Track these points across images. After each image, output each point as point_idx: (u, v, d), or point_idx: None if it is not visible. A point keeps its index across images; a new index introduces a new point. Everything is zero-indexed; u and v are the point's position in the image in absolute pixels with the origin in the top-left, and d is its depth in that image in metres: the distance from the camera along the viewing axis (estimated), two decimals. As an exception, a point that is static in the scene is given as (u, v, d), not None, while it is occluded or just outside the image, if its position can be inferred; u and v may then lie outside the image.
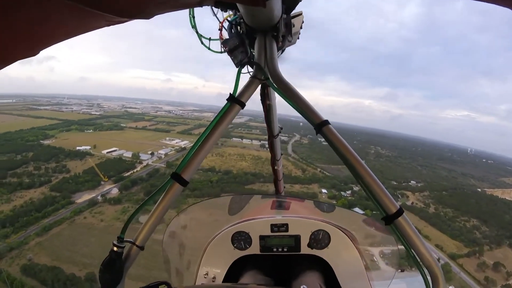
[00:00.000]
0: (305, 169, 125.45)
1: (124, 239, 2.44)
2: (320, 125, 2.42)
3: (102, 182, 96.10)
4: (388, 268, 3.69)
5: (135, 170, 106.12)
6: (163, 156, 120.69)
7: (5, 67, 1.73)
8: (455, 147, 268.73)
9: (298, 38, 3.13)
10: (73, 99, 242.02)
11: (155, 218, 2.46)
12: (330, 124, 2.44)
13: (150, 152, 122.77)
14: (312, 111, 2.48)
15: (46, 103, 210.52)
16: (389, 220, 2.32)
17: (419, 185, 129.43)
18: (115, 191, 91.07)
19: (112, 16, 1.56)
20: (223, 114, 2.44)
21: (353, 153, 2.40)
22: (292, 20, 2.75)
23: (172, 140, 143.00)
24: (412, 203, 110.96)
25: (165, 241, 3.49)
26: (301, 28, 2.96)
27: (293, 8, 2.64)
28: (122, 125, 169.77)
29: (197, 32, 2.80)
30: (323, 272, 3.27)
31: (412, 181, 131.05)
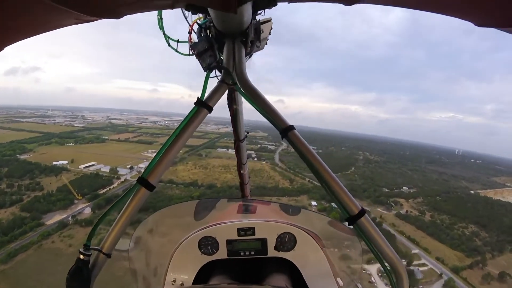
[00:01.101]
0: (293, 179, 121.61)
1: (91, 247, 2.44)
2: (286, 130, 2.51)
3: (75, 201, 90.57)
4: (353, 268, 3.72)
5: (111, 187, 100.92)
6: (142, 170, 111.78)
7: None
8: (442, 148, 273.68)
9: (266, 44, 3.22)
10: (57, 111, 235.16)
11: (121, 224, 2.46)
12: (295, 129, 2.53)
13: (129, 166, 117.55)
14: (278, 116, 2.55)
15: (29, 115, 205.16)
16: (352, 220, 2.45)
17: (411, 191, 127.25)
18: (87, 211, 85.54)
19: (81, 14, 1.56)
20: (191, 118, 2.47)
21: (317, 157, 2.49)
22: (261, 26, 2.87)
23: (154, 152, 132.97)
24: (407, 211, 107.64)
25: (131, 247, 3.42)
26: (269, 34, 3.07)
27: (261, 13, 2.66)
28: (104, 137, 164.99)
29: (164, 34, 2.87)
30: (290, 274, 3.31)
31: (404, 187, 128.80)
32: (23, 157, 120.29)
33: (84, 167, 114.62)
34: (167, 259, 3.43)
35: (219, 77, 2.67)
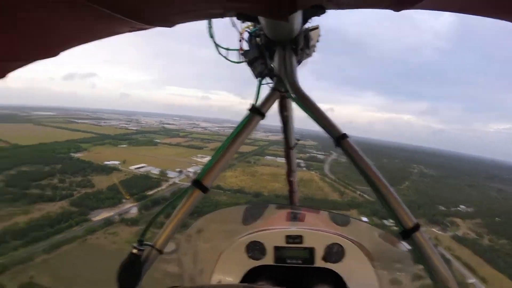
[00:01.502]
0: (343, 191, 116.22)
1: (144, 242, 2.51)
2: (339, 138, 2.50)
3: (124, 200, 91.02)
4: (403, 284, 3.41)
5: (159, 189, 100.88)
6: (191, 175, 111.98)
7: (24, 66, 1.89)
8: (501, 162, 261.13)
9: (315, 51, 3.22)
10: (113, 114, 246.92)
11: (174, 223, 2.54)
12: (349, 137, 2.51)
13: (178, 169, 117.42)
14: (331, 124, 2.55)
15: (85, 117, 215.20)
16: (406, 234, 2.38)
17: (469, 210, 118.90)
18: (134, 211, 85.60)
19: (135, 22, 1.63)
20: (244, 124, 2.55)
21: (371, 166, 2.49)
22: (310, 33, 2.87)
23: (204, 157, 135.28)
24: (464, 233, 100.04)
25: (181, 246, 3.42)
26: (317, 41, 3.09)
27: (309, 20, 2.63)
28: (156, 140, 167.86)
29: (214, 42, 2.89)
30: (336, 286, 3.09)
31: (461, 206, 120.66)
32: (77, 155, 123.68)
33: (135, 168, 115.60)
34: (214, 261, 3.31)
35: (270, 85, 2.73)
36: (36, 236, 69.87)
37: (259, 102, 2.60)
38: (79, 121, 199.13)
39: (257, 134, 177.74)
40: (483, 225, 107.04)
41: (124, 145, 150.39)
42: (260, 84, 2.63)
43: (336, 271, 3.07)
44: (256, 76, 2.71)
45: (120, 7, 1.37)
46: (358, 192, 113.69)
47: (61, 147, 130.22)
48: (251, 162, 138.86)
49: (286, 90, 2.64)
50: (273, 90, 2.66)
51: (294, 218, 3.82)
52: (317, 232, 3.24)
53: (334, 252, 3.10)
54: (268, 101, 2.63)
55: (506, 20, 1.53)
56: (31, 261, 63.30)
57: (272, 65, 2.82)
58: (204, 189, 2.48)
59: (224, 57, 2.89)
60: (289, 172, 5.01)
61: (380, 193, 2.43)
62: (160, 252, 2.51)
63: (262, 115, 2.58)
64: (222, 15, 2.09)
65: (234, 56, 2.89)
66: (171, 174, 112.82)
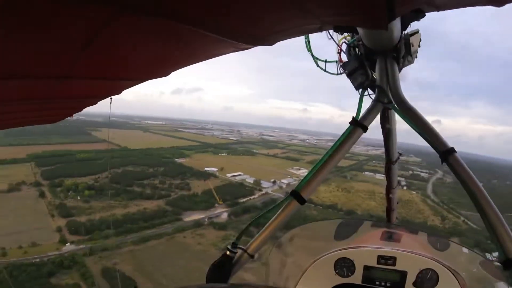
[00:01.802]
0: (445, 216, 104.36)
1: (238, 246, 2.66)
2: (446, 153, 2.41)
3: (216, 205, 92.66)
4: None
5: (251, 197, 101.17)
6: (284, 186, 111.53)
7: (138, 84, 2.02)
8: None
9: (416, 57, 3.07)
10: (216, 125, 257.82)
11: (270, 230, 2.64)
12: (456, 152, 2.42)
13: (272, 180, 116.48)
14: (438, 137, 2.47)
15: (191, 127, 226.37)
16: (509, 264, 2.27)
17: None
18: (224, 216, 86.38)
19: (239, 43, 1.72)
20: (346, 137, 2.53)
21: (479, 186, 2.37)
22: (410, 39, 2.72)
23: (299, 169, 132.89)
24: None
25: (271, 254, 3.56)
26: (419, 46, 2.94)
27: (410, 26, 2.60)
28: (254, 151, 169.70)
29: (312, 55, 2.90)
30: None
31: None
32: (179, 160, 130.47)
33: (231, 176, 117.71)
34: (301, 272, 3.35)
35: (371, 96, 2.68)
36: (129, 228, 74.37)
37: (361, 114, 2.52)
38: (185, 130, 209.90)
39: (356, 148, 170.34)
40: None
41: (224, 154, 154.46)
42: (362, 95, 2.57)
43: None
44: (357, 88, 2.64)
45: (224, 30, 1.45)
46: (462, 218, 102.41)
47: (166, 152, 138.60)
48: (347, 178, 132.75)
49: (389, 101, 2.56)
50: (376, 101, 2.58)
51: (389, 238, 3.64)
52: (412, 255, 3.12)
53: (427, 279, 2.99)
54: (370, 113, 2.55)
55: None
56: (119, 249, 67.19)
57: (373, 75, 2.73)
58: (302, 201, 2.52)
59: (323, 69, 2.87)
60: (389, 189, 4.68)
61: (486, 217, 2.29)
62: (252, 256, 2.64)
63: (364, 128, 2.52)
64: (320, 29, 2.05)
65: (332, 68, 2.86)
66: (265, 184, 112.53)
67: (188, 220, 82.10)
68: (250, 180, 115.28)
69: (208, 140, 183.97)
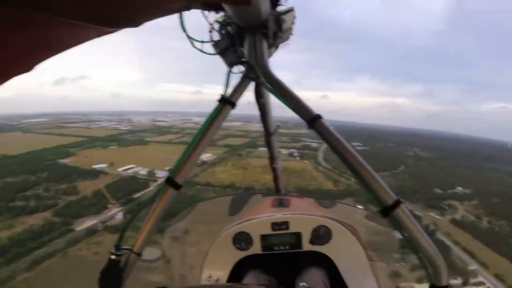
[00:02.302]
0: (337, 180, 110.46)
1: (122, 247, 2.47)
2: (313, 120, 2.46)
3: (109, 205, 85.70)
4: (390, 261, 3.82)
5: (146, 190, 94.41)
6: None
7: (1, 84, 1.85)
8: (494, 141, 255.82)
9: (291, 34, 3.11)
10: (104, 116, 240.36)
11: (151, 223, 2.49)
12: (322, 118, 2.48)
13: (168, 168, 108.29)
14: (304, 106, 2.51)
15: (76, 121, 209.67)
16: (387, 212, 2.38)
17: (466, 191, 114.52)
18: (119, 216, 79.85)
19: (101, 27, 1.57)
20: (215, 116, 2.50)
21: (347, 146, 2.47)
22: (283, 16, 2.77)
23: None
24: (463, 216, 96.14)
25: (166, 245, 3.70)
26: (293, 23, 2.97)
27: (279, 3, 2.67)
28: (147, 139, 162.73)
29: (187, 35, 2.78)
30: (326, 268, 3.38)
31: (458, 188, 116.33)
32: (64, 161, 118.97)
33: (123, 170, 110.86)
34: (203, 255, 3.53)
35: (243, 73, 2.67)
36: (18, 252, 65.42)
37: (230, 91, 2.53)
38: (70, 125, 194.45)
39: (252, 126, 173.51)
40: (481, 207, 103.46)
41: (114, 146, 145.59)
42: (229, 72, 2.57)
43: (325, 252, 3.36)
44: (229, 66, 2.64)
45: (81, 14, 1.33)
46: (353, 180, 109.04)
47: (49, 154, 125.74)
48: (242, 155, 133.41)
49: (257, 77, 2.57)
50: (243, 77, 2.58)
51: (280, 205, 3.98)
52: (302, 216, 3.50)
53: (321, 235, 3.39)
54: (238, 89, 2.55)
55: None
56: (13, 280, 59.47)
57: (243, 52, 2.69)
58: (177, 186, 2.41)
59: (199, 49, 2.77)
60: (272, 159, 4.79)
61: (357, 173, 2.39)
62: (139, 255, 2.47)
63: (233, 105, 2.52)
64: (187, 8, 2.06)
65: (210, 48, 2.78)
66: (160, 173, 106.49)
67: (80, 229, 74.65)
68: (143, 171, 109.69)
69: (96, 133, 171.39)
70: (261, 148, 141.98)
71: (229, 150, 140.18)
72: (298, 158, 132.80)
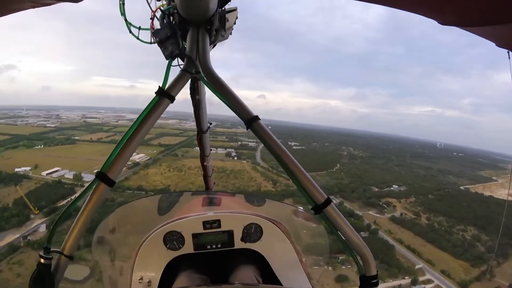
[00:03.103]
0: (276, 180, 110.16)
1: (51, 250, 2.30)
2: (251, 121, 2.50)
3: (32, 216, 77.54)
4: (320, 255, 3.95)
5: (72, 197, 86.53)
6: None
7: None
8: (424, 142, 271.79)
9: (231, 34, 3.20)
10: (32, 111, 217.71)
11: (82, 223, 2.34)
12: (260, 119, 2.53)
13: (96, 170, 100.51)
14: (243, 106, 2.54)
15: (2, 116, 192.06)
16: (318, 209, 2.48)
17: (401, 189, 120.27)
18: (42, 229, 72.04)
19: None
20: (151, 108, 2.39)
21: (282, 147, 2.52)
22: (227, 15, 2.83)
23: None
24: (402, 214, 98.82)
25: (94, 247, 3.45)
26: (234, 23, 3.04)
27: (228, 2, 2.73)
28: (75, 138, 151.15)
29: (126, 20, 2.74)
30: (258, 264, 3.42)
31: (394, 185, 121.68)
32: None
33: (47, 174, 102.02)
34: (132, 257, 3.40)
35: (181, 66, 2.62)
36: None
37: (169, 84, 2.42)
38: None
39: (187, 123, 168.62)
40: (418, 204, 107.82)
41: (40, 146, 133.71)
42: (169, 65, 2.47)
43: (256, 249, 3.43)
44: (167, 57, 2.54)
45: None
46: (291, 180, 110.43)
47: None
48: (178, 156, 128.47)
49: (197, 72, 2.54)
50: (183, 71, 2.49)
51: (211, 203, 4.04)
52: (233, 214, 3.55)
53: (252, 232, 3.45)
54: (177, 83, 2.45)
55: (417, 14, 1.67)
56: None
57: (184, 45, 2.67)
58: (110, 182, 2.27)
59: (136, 36, 2.73)
60: (203, 157, 4.87)
61: (291, 173, 2.45)
62: (70, 258, 2.31)
63: (172, 98, 2.41)
64: None
65: (147, 36, 2.73)
66: (87, 177, 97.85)
67: (1, 246, 66.42)
68: (69, 175, 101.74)
69: (21, 130, 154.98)
70: (197, 148, 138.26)
71: (164, 150, 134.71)
72: (236, 158, 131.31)
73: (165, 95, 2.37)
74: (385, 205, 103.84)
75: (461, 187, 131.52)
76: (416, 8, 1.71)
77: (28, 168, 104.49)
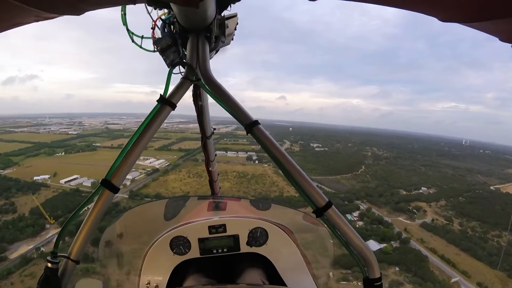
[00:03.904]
0: None
1: (58, 254, 2.36)
2: (251, 126, 2.51)
3: (48, 226, 74.26)
4: (325, 258, 3.95)
5: (89, 207, 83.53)
6: (128, 183, 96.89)
7: None
8: (449, 139, 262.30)
9: (233, 39, 3.22)
10: (55, 118, 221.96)
11: (88, 228, 2.38)
12: (260, 124, 2.54)
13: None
14: (243, 111, 2.55)
15: (25, 124, 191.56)
16: (320, 212, 2.49)
17: (431, 191, 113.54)
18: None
19: (40, 11, 1.55)
20: (153, 116, 2.41)
21: (282, 151, 2.54)
22: (226, 21, 2.82)
23: (146, 159, 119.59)
24: (433, 220, 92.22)
25: (101, 252, 3.51)
26: (235, 29, 3.05)
27: (226, 8, 2.69)
28: (96, 144, 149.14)
29: (128, 29, 2.86)
30: (264, 268, 3.46)
31: (422, 188, 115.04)
32: (5, 172, 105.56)
33: (65, 182, 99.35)
34: (140, 261, 3.44)
35: (182, 74, 2.62)
36: None
37: (170, 92, 2.44)
38: (17, 130, 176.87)
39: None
40: (449, 208, 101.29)
41: (61, 153, 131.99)
42: (170, 73, 2.47)
43: (262, 253, 3.46)
44: (168, 65, 2.63)
45: None
46: (315, 184, 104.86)
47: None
48: (198, 160, 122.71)
49: (198, 79, 2.54)
50: (184, 79, 2.51)
51: (216, 208, 4.04)
52: (239, 219, 3.54)
53: (258, 236, 3.47)
54: (178, 90, 2.47)
55: (417, 12, 1.66)
56: None
57: (185, 53, 2.73)
58: (114, 189, 2.29)
59: (139, 45, 2.82)
60: (208, 162, 4.87)
61: (292, 177, 2.47)
62: (77, 262, 2.37)
63: (173, 106, 2.44)
64: (133, 1, 2.04)
65: (150, 45, 2.78)
66: None
67: (14, 257, 62.85)
68: (87, 183, 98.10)
69: (43, 138, 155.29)
70: (217, 152, 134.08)
71: (184, 155, 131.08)
72: (257, 162, 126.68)
73: (166, 102, 2.39)
74: (415, 210, 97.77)
75: (491, 187, 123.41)
76: (415, 5, 1.70)
77: (47, 176, 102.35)
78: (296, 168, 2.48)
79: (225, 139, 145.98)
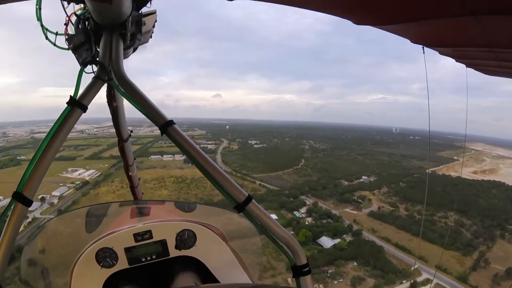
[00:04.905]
0: (242, 184, 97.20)
1: None
2: (165, 126, 2.40)
3: None
4: (255, 251, 3.90)
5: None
6: (56, 201, 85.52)
7: None
8: (379, 128, 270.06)
9: (151, 37, 3.12)
10: None
11: (5, 247, 2.12)
12: (175, 124, 2.43)
13: (40, 196, 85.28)
14: (157, 111, 2.44)
15: None
16: (241, 207, 2.44)
17: (371, 179, 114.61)
18: None
19: None
20: (63, 119, 2.22)
21: (198, 150, 2.46)
22: (144, 19, 2.71)
23: (76, 171, 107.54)
24: (379, 208, 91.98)
25: (24, 272, 3.24)
26: (153, 27, 2.97)
27: (144, 5, 2.62)
28: (21, 157, 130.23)
29: (42, 25, 2.59)
30: (197, 270, 3.39)
31: (363, 176, 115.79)
32: None
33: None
34: (67, 280, 3.22)
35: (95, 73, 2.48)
36: None
37: (80, 93, 2.28)
38: None
39: (141, 130, 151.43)
40: (393, 194, 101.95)
41: None
42: (81, 72, 2.33)
43: (193, 255, 3.37)
44: (81, 64, 2.39)
45: None
46: (258, 182, 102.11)
47: None
48: None
49: (110, 78, 2.40)
50: (95, 78, 2.35)
51: (140, 213, 3.84)
52: (165, 223, 3.42)
53: (186, 239, 3.37)
54: (89, 91, 2.30)
55: (332, 15, 1.67)
56: None
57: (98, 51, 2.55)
58: (27, 202, 2.07)
59: (53, 43, 2.57)
60: (127, 167, 4.60)
61: (210, 175, 2.39)
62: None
63: (84, 108, 2.27)
64: None
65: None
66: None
67: None
68: (4, 203, 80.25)
69: None
70: (153, 157, 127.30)
71: (116, 163, 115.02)
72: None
73: (76, 104, 2.21)
74: (360, 200, 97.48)
75: (428, 171, 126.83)
76: (331, 9, 1.70)
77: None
78: (214, 166, 2.39)
79: (159, 141, 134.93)
